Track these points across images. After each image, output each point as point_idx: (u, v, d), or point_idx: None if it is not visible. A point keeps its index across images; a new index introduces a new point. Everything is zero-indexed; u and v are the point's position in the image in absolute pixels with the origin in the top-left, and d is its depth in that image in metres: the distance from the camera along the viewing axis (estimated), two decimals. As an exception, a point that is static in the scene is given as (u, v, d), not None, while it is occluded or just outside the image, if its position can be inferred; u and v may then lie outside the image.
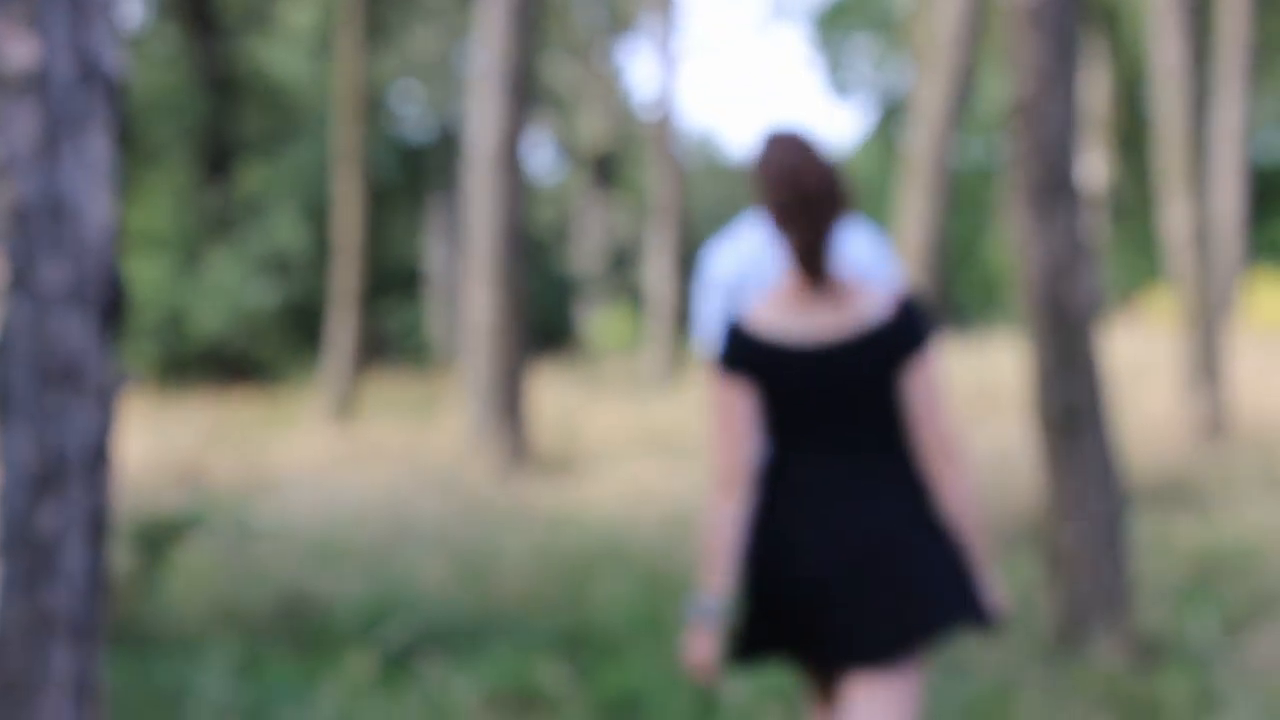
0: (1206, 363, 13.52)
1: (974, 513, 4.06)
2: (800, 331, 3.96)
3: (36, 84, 1.81)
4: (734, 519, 4.01)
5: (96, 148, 1.89)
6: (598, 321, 39.76)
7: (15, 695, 1.79)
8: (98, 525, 1.90)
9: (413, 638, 7.71)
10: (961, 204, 32.19)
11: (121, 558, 8.24)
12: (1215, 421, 13.30)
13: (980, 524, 4.09)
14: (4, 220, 1.77)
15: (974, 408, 13.96)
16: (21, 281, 1.79)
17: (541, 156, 47.17)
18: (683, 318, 27.14)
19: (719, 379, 3.99)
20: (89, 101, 1.88)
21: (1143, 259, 32.12)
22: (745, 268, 8.10)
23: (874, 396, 4.03)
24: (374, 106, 32.84)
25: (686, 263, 27.49)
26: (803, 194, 4.00)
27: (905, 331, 3.99)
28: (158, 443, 17.32)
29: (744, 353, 3.99)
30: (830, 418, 4.03)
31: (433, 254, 39.01)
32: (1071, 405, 7.21)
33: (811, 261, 3.96)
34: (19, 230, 1.79)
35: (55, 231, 1.82)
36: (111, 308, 1.90)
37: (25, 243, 1.79)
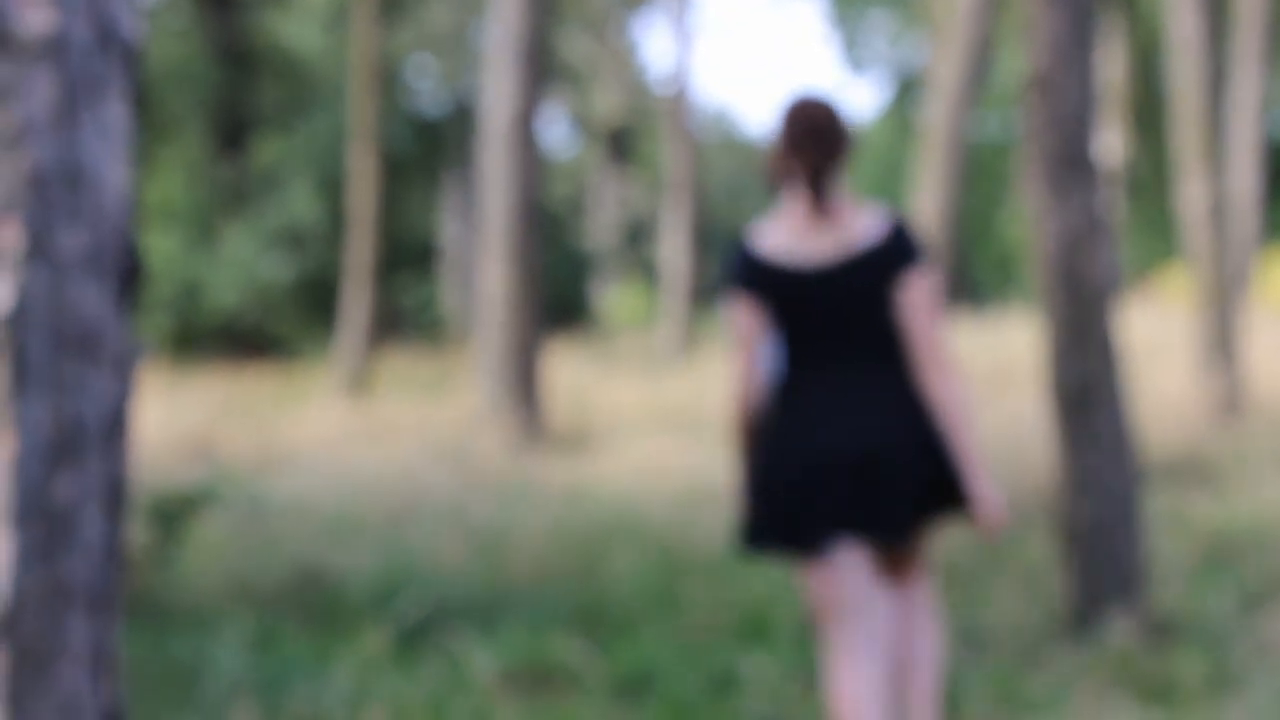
0: (1222, 340, 13.49)
1: (964, 418, 4.53)
2: (803, 254, 4.47)
3: (54, 50, 1.79)
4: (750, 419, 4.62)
5: (114, 115, 1.87)
6: (612, 297, 39.76)
7: (32, 664, 1.79)
8: (115, 495, 1.89)
9: (427, 613, 7.72)
10: (977, 178, 32.14)
11: (137, 532, 8.24)
12: (1231, 399, 13.28)
13: (971, 429, 4.56)
14: (21, 187, 1.76)
15: (989, 383, 13.94)
16: (39, 249, 1.78)
17: (556, 131, 47.12)
18: (698, 293, 27.12)
19: (732, 298, 4.54)
20: (106, 68, 1.86)
21: (1159, 236, 32.06)
22: None
23: (870, 313, 4.53)
24: (389, 80, 32.82)
25: (702, 238, 27.46)
26: (812, 125, 4.51)
27: (896, 252, 4.49)
28: (172, 417, 17.34)
29: (752, 274, 4.52)
30: (831, 334, 4.54)
31: (447, 229, 39.01)
32: (1086, 382, 7.20)
33: (816, 186, 4.46)
34: (36, 197, 1.78)
35: (73, 199, 1.81)
36: (129, 276, 1.89)
37: (43, 210, 1.78)
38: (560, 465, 13.60)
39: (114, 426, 1.91)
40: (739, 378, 4.58)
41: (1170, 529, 8.96)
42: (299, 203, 32.38)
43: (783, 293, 4.50)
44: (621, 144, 40.82)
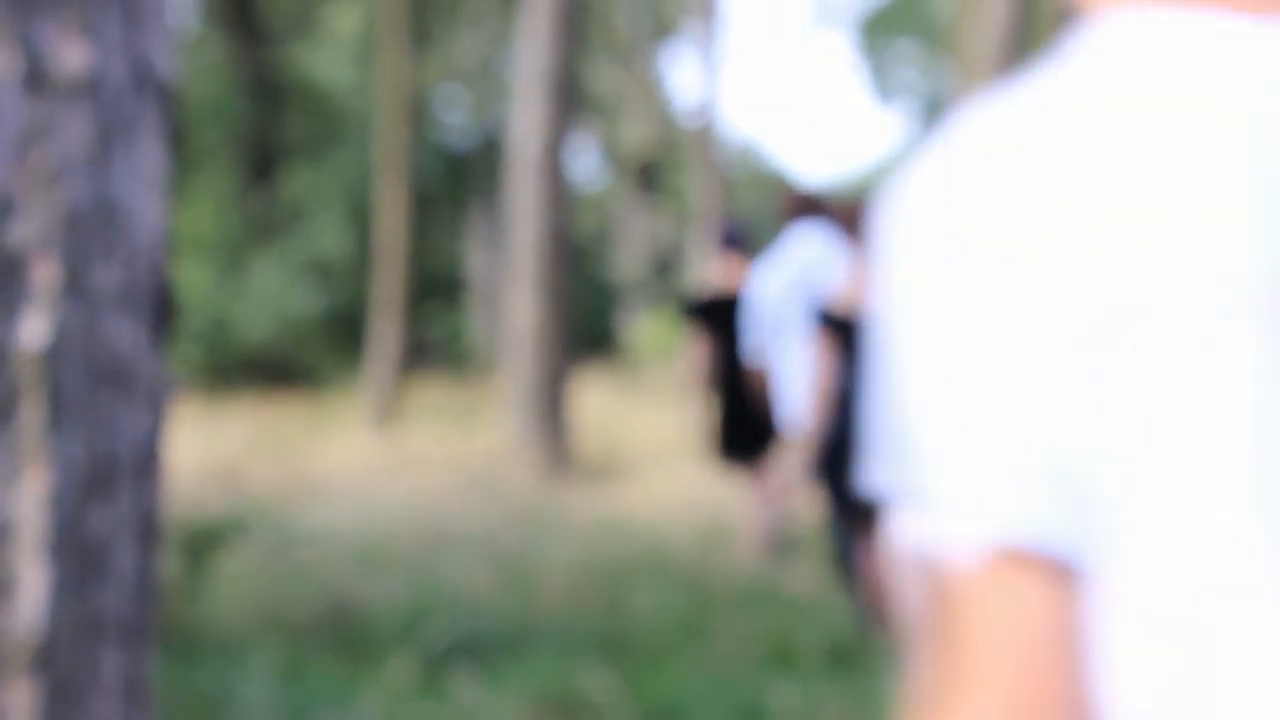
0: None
1: None
2: None
3: (89, 89, 1.82)
4: None
5: (149, 153, 1.90)
6: (640, 328, 39.80)
7: (66, 697, 1.81)
8: (148, 528, 1.91)
9: (454, 644, 7.73)
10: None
11: (167, 562, 8.27)
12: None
13: None
14: (57, 225, 1.78)
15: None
16: (74, 286, 1.80)
17: (584, 163, 47.22)
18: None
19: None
20: (142, 107, 1.89)
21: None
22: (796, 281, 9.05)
23: None
24: (418, 112, 32.90)
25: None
26: None
27: None
28: (202, 447, 17.39)
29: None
30: None
31: (475, 260, 39.08)
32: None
33: None
34: (71, 235, 1.80)
35: (107, 236, 1.84)
36: (162, 312, 1.92)
37: (77, 247, 1.81)
38: (588, 495, 13.62)
39: (147, 460, 1.93)
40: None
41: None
42: (328, 234, 32.49)
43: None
44: (649, 176, 40.91)
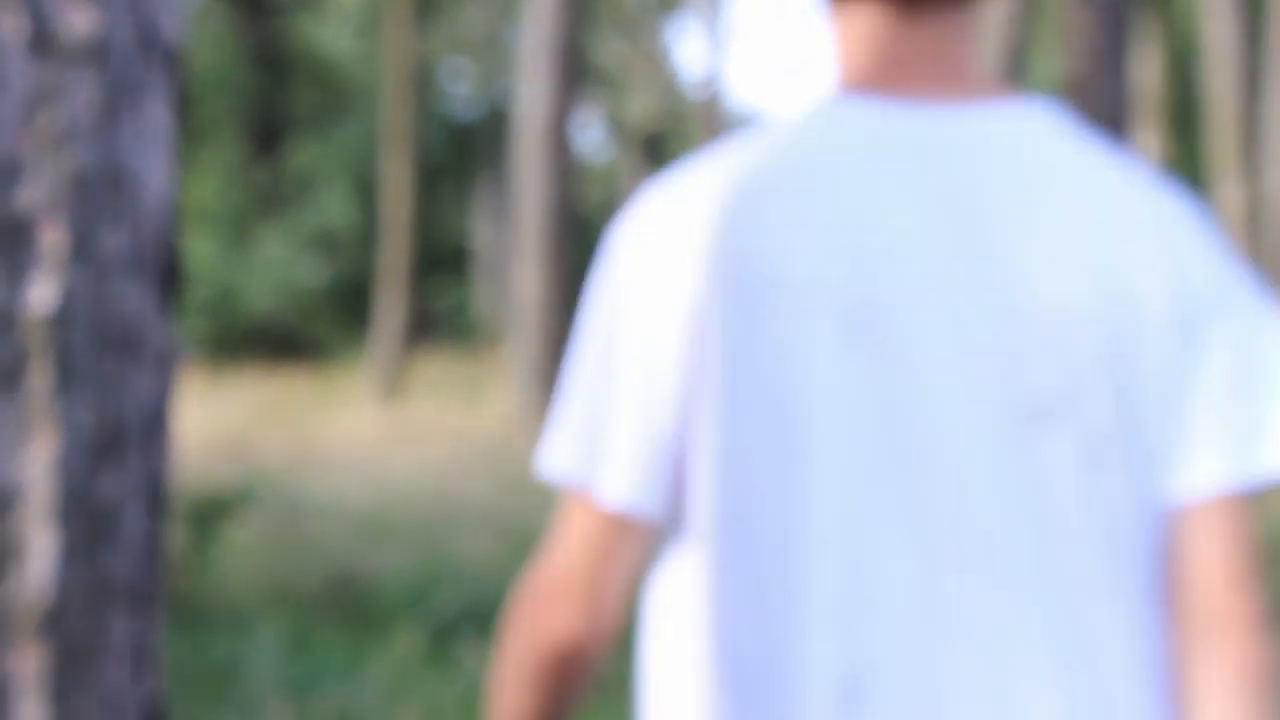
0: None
1: None
2: None
3: (96, 52, 1.81)
4: None
5: (156, 117, 1.89)
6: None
7: (75, 662, 1.81)
8: (157, 493, 1.91)
9: (460, 614, 7.74)
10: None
11: (174, 532, 8.27)
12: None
13: None
14: (64, 189, 1.78)
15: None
16: (81, 250, 1.80)
17: (591, 135, 47.17)
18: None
19: None
20: (149, 71, 1.88)
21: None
22: None
23: None
24: (423, 84, 32.87)
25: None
26: None
27: None
28: (207, 418, 17.41)
29: None
30: None
31: (481, 232, 39.06)
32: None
33: None
34: (79, 199, 1.80)
35: (115, 201, 1.83)
36: (170, 276, 1.91)
37: (85, 212, 1.80)
38: (594, 467, 13.63)
39: (156, 425, 1.93)
40: None
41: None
42: (333, 206, 32.48)
43: None
44: (655, 147, 40.87)
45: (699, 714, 1.62)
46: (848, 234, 1.53)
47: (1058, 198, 1.57)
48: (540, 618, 1.75)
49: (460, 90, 40.34)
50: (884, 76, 1.64)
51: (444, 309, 38.44)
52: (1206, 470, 1.56)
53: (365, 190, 32.23)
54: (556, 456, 1.68)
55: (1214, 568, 1.55)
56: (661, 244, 1.58)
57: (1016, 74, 15.30)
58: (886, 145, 1.58)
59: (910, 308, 1.52)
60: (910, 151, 1.57)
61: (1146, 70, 31.71)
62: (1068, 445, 1.53)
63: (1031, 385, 1.52)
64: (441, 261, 36.56)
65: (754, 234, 1.55)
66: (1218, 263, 1.60)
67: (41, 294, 1.81)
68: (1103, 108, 7.25)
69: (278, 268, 31.53)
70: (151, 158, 1.88)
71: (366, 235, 31.83)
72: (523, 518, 10.50)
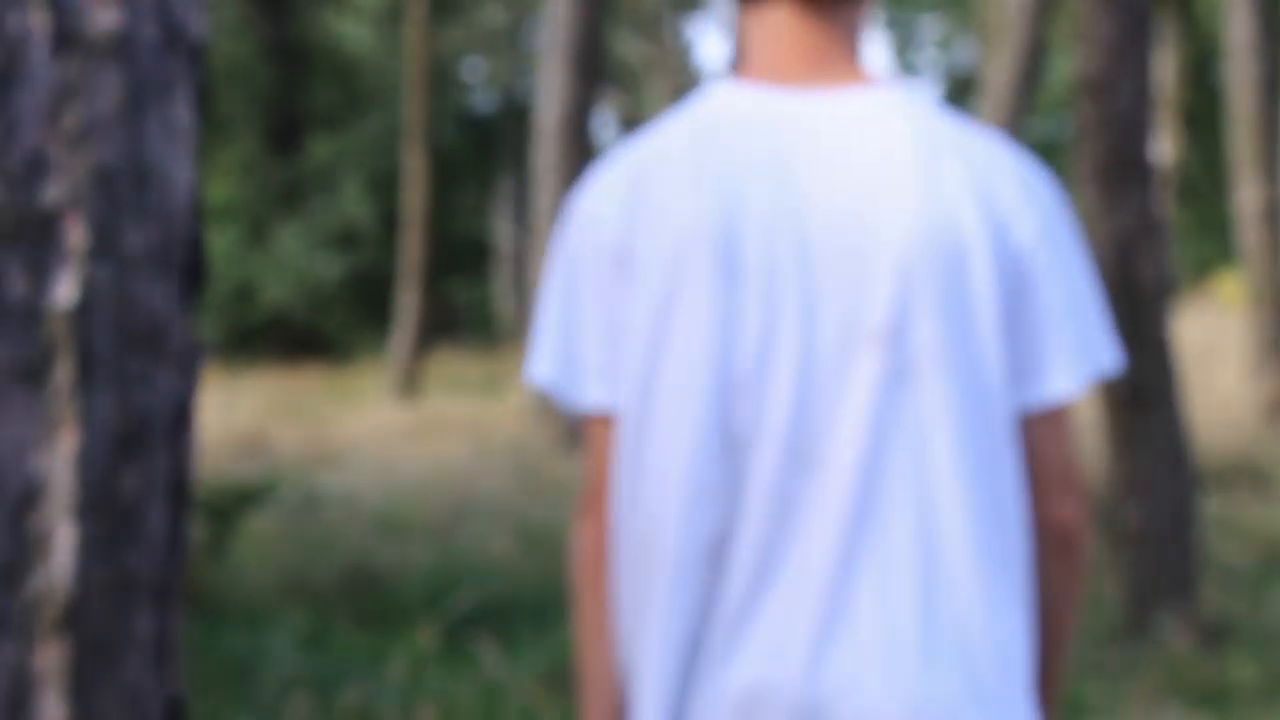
0: (1276, 343, 13.43)
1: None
2: None
3: (121, 49, 1.82)
4: None
5: (180, 113, 1.90)
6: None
7: (96, 654, 1.81)
8: (179, 489, 1.91)
9: (478, 610, 7.74)
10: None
11: (193, 526, 8.29)
12: (1285, 403, 13.22)
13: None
14: (88, 184, 1.78)
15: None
16: (105, 245, 1.80)
17: (610, 131, 47.14)
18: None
19: None
20: (173, 67, 1.89)
21: (1213, 239, 31.93)
22: None
23: None
24: (443, 80, 32.86)
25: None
26: None
27: None
28: (225, 414, 17.42)
29: None
30: None
31: (500, 228, 39.06)
32: (1140, 384, 7.18)
33: None
34: (103, 194, 1.80)
35: (139, 196, 1.83)
36: (193, 273, 1.92)
37: (109, 207, 1.80)
38: (611, 464, 13.62)
39: (178, 421, 1.93)
40: None
41: (1223, 533, 8.93)
42: (351, 202, 32.49)
43: None
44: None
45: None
46: (722, 188, 1.92)
47: (900, 159, 1.92)
48: (579, 537, 2.06)
49: (481, 86, 40.37)
50: (773, 68, 2.02)
51: (463, 305, 38.45)
52: (1056, 385, 1.95)
53: (384, 186, 32.25)
54: (540, 371, 2.02)
55: (1054, 460, 1.97)
56: (600, 204, 1.99)
57: (1036, 72, 15.28)
58: (762, 120, 1.97)
59: (765, 246, 1.89)
60: (780, 125, 1.96)
61: (1165, 69, 31.67)
62: (881, 365, 1.87)
63: (863, 313, 1.87)
64: (461, 257, 36.58)
65: (656, 192, 1.95)
66: (1040, 208, 1.96)
67: (65, 290, 1.81)
68: (1121, 107, 7.23)
69: (296, 263, 31.55)
70: (176, 154, 1.88)
71: (385, 231, 31.85)
72: (539, 514, 10.50)
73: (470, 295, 38.52)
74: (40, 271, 1.81)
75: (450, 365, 25.45)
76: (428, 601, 7.95)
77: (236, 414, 18.02)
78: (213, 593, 8.04)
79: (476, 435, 16.00)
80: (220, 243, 31.27)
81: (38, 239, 1.80)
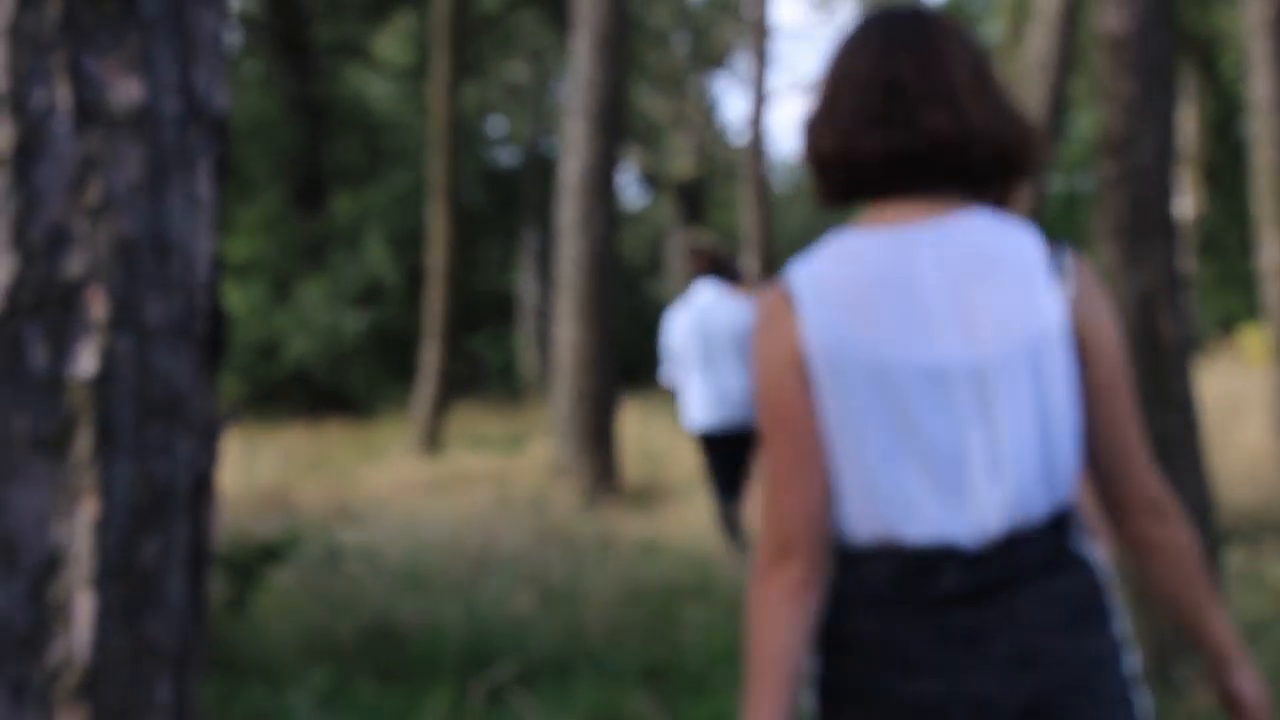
0: (1300, 399, 13.40)
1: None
2: None
3: (143, 122, 1.84)
4: None
5: (201, 186, 1.92)
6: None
7: (115, 725, 1.82)
8: (199, 557, 1.93)
9: (507, 673, 7.72)
10: (1052, 234, 31.95)
11: (212, 585, 8.30)
12: (1310, 458, 13.17)
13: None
14: (109, 256, 1.80)
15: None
16: (126, 316, 1.82)
17: (633, 186, 47.15)
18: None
19: None
20: (195, 140, 1.91)
21: (1237, 294, 31.87)
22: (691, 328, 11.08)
23: None
24: (467, 136, 32.96)
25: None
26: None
27: None
28: (248, 470, 17.44)
29: None
30: None
31: (525, 283, 39.12)
32: (1164, 440, 7.16)
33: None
34: (124, 266, 1.82)
35: (160, 268, 1.85)
36: (213, 344, 1.93)
37: (130, 279, 1.82)
38: (632, 520, 13.61)
39: (198, 491, 1.95)
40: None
41: (1246, 587, 8.90)
42: (375, 258, 32.57)
43: None
44: (694, 199, 40.90)
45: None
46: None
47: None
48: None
49: (505, 142, 40.48)
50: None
51: (486, 360, 38.47)
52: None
53: (408, 242, 32.35)
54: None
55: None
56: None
57: (1056, 127, 15.30)
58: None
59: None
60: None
61: (1187, 124, 31.69)
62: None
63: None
64: (484, 313, 36.63)
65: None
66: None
67: (86, 360, 1.83)
68: (1142, 162, 7.24)
69: (320, 319, 31.63)
70: (197, 226, 1.90)
71: (409, 287, 31.93)
72: (561, 570, 10.50)
73: (493, 350, 38.55)
74: (61, 342, 1.83)
75: (473, 420, 25.48)
76: (451, 660, 7.95)
77: (259, 470, 18.05)
78: (233, 649, 8.04)
79: (499, 490, 16.01)
80: (244, 299, 31.36)
81: (59, 310, 1.82)
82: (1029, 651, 2.60)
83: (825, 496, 2.72)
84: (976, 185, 2.79)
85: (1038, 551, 2.64)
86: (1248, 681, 2.88)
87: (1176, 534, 2.75)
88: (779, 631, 2.71)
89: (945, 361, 2.66)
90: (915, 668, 2.63)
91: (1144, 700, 2.81)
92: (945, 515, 2.64)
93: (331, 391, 32.04)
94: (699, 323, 11.98)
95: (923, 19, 2.78)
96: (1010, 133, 2.78)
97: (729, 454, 11.90)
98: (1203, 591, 2.78)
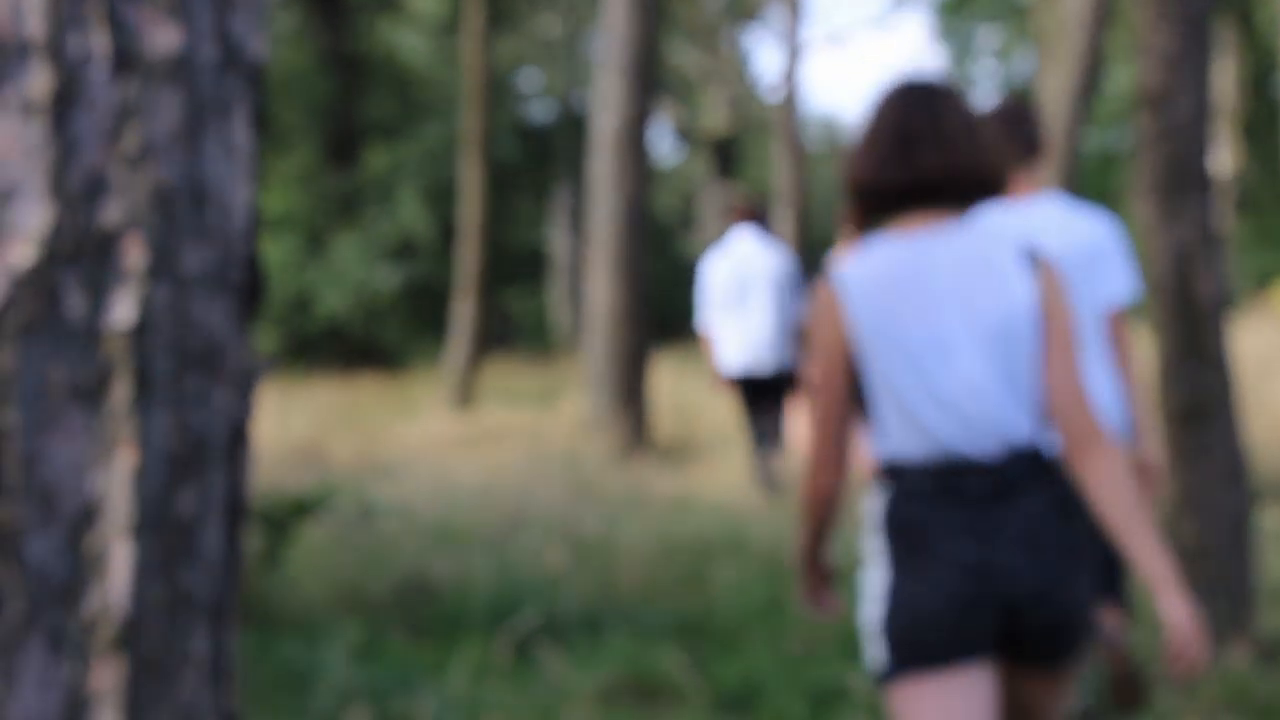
0: (1336, 357, 13.35)
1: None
2: None
3: (180, 69, 1.83)
4: None
5: (239, 134, 1.91)
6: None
7: (155, 674, 1.82)
8: (235, 508, 1.92)
9: (533, 625, 7.74)
10: (1088, 192, 31.85)
11: (248, 538, 8.32)
12: (1346, 417, 13.13)
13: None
14: (146, 205, 1.79)
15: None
16: (163, 266, 1.81)
17: (665, 141, 47.05)
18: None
19: None
20: (232, 87, 1.89)
21: (1273, 250, 31.74)
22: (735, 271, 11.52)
23: None
24: (500, 90, 32.94)
25: (807, 248, 27.44)
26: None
27: None
28: (281, 424, 17.49)
29: None
30: None
31: (558, 238, 39.12)
32: (1197, 399, 7.14)
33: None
34: (161, 215, 1.81)
35: (197, 217, 1.84)
36: (251, 293, 1.92)
37: (167, 227, 1.81)
38: (665, 476, 13.62)
39: (234, 441, 1.94)
40: None
41: (1282, 548, 8.88)
42: (408, 212, 32.58)
43: None
44: (727, 154, 40.82)
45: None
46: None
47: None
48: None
49: (537, 96, 40.44)
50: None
51: (519, 315, 38.50)
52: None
53: (441, 196, 32.36)
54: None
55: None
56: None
57: (1093, 83, 15.23)
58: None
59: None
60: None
61: (1224, 80, 31.51)
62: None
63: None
64: (518, 268, 36.66)
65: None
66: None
67: (123, 310, 1.82)
68: (1180, 120, 7.21)
69: (353, 273, 31.67)
70: (234, 175, 1.89)
71: (442, 241, 31.95)
72: (594, 525, 10.50)
73: (526, 305, 38.58)
74: (98, 291, 1.82)
75: (506, 375, 25.51)
76: (483, 615, 7.96)
77: (293, 424, 18.09)
78: (267, 604, 8.07)
79: (532, 445, 16.03)
80: (278, 253, 31.40)
81: (96, 259, 1.82)
82: (1031, 535, 3.81)
83: (847, 432, 4.05)
84: (968, 203, 4.02)
85: (1026, 466, 3.86)
86: (1176, 608, 3.76)
87: (1110, 464, 3.84)
88: (820, 502, 4.09)
89: (948, 333, 3.91)
90: (957, 539, 3.83)
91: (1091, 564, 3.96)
92: (956, 438, 3.86)
93: (365, 345, 32.10)
94: (737, 269, 12.37)
95: (930, 88, 4.07)
96: (986, 167, 3.98)
97: (763, 396, 12.16)
98: (1135, 519, 3.81)
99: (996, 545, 3.78)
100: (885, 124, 4.06)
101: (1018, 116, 6.05)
